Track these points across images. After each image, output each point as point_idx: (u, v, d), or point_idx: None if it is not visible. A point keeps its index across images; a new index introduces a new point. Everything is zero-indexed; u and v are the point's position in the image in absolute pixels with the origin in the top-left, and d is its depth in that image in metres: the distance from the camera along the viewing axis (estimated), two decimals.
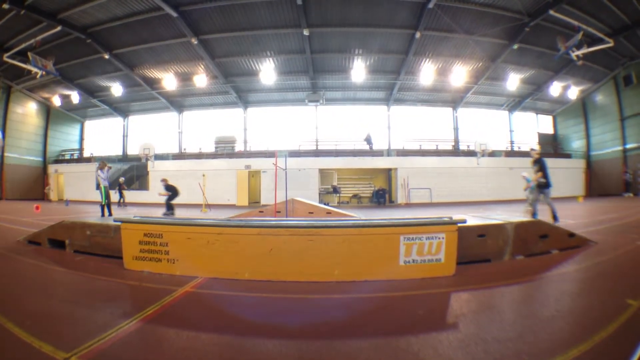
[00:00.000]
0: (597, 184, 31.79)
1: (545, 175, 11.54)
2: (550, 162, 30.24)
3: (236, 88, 31.00)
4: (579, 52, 22.90)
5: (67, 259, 6.23)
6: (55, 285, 4.96)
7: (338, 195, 29.74)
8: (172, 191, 15.29)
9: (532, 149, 12.34)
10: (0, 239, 8.32)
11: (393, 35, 24.89)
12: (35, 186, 33.78)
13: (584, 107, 33.16)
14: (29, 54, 23.35)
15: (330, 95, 31.81)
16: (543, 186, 11.57)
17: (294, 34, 24.56)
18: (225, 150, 32.48)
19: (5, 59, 24.02)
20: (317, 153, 31.24)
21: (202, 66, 28.09)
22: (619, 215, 12.68)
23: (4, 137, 29.93)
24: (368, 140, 31.10)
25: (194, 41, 24.32)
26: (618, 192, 28.80)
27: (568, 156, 33.70)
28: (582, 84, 30.86)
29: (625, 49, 25.27)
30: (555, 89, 30.74)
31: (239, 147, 33.22)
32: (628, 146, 29.06)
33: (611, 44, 22.40)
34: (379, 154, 31.04)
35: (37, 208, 17.85)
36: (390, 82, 29.96)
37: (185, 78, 29.17)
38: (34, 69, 24.17)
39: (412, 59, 26.88)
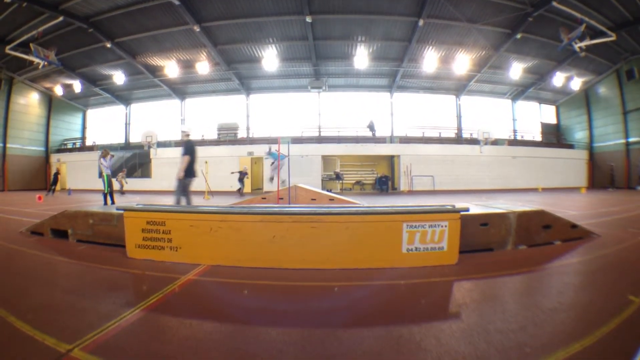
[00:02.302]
0: (600, 175, 31.74)
1: (190, 162, 9.22)
2: (553, 152, 30.59)
3: (238, 75, 30.90)
4: (582, 44, 22.89)
5: (70, 249, 6.23)
6: (58, 276, 4.97)
7: (341, 182, 29.77)
8: None
9: (182, 131, 9.81)
10: (2, 230, 8.33)
11: (396, 22, 24.76)
12: (38, 176, 33.88)
13: (586, 98, 33.05)
14: (31, 45, 23.39)
15: (332, 82, 31.72)
16: (186, 174, 9.15)
17: (297, 21, 24.44)
18: (227, 137, 32.50)
19: (7, 51, 23.98)
20: (319, 140, 31.20)
21: (204, 53, 28.00)
22: (621, 209, 12.62)
23: (5, 129, 30.08)
24: (371, 127, 31.07)
25: (196, 29, 24.23)
26: (621, 185, 28.75)
27: (571, 147, 33.68)
28: (584, 75, 30.72)
29: (627, 43, 25.20)
30: (558, 79, 30.64)
31: (241, 133, 33.18)
32: (631, 140, 28.99)
33: (613, 38, 22.41)
34: (381, 140, 31.02)
35: (39, 198, 17.88)
36: (393, 70, 29.85)
37: (187, 65, 29.11)
38: (36, 60, 24.21)
39: (415, 47, 26.76)
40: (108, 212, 6.51)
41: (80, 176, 31.37)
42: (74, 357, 2.47)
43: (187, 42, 26.80)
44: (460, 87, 32.76)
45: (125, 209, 5.67)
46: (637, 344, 2.41)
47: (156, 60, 29.32)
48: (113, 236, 6.17)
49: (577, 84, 31.18)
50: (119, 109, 36.66)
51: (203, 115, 34.62)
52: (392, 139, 31.50)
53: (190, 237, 5.25)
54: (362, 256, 5.00)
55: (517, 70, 29.20)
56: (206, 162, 22.46)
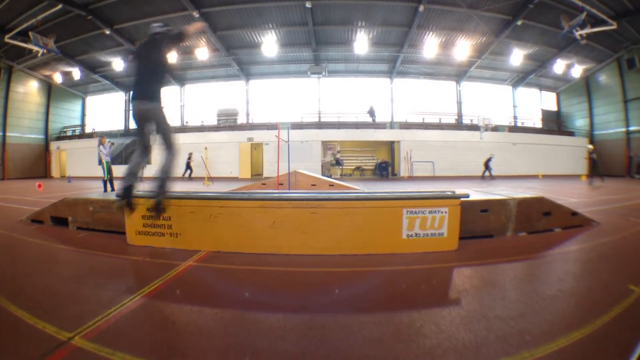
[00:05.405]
0: (600, 163, 31.65)
1: None
2: (553, 139, 30.59)
3: (238, 60, 30.76)
4: (583, 32, 22.82)
5: (70, 237, 6.22)
6: (58, 263, 4.97)
7: (341, 167, 29.79)
8: None
9: None
10: (3, 219, 8.31)
11: (396, 7, 24.57)
12: (38, 164, 33.83)
13: (587, 86, 32.81)
14: (30, 33, 23.31)
15: (332, 67, 31.58)
16: None
17: (296, 6, 24.26)
18: (227, 122, 32.46)
19: (6, 40, 23.84)
20: (319, 125, 31.19)
21: (203, 39, 27.83)
22: (622, 197, 12.60)
23: (4, 118, 30.01)
24: (371, 113, 31.03)
25: (196, 14, 24.06)
26: (621, 173, 28.71)
27: (571, 134, 33.62)
28: (585, 63, 30.46)
29: (628, 32, 24.95)
30: (559, 66, 30.45)
31: (241, 119, 33.12)
32: (631, 128, 28.92)
33: (614, 27, 22.31)
34: (381, 126, 31.00)
35: (39, 186, 17.88)
36: (393, 55, 29.69)
37: (186, 51, 28.92)
38: (35, 48, 24.14)
39: (415, 32, 26.59)
40: (108, 199, 6.49)
41: (81, 163, 31.30)
42: (75, 345, 2.48)
43: None
44: (460, 73, 32.59)
45: None
46: (638, 334, 2.41)
47: None
48: (113, 223, 6.16)
49: (577, 71, 30.93)
50: (118, 96, 36.45)
51: (203, 101, 34.46)
52: (392, 125, 31.47)
53: (190, 224, 5.24)
54: (362, 242, 5.00)
55: (517, 56, 29.04)
56: (206, 149, 22.47)
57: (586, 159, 19.04)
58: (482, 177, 25.27)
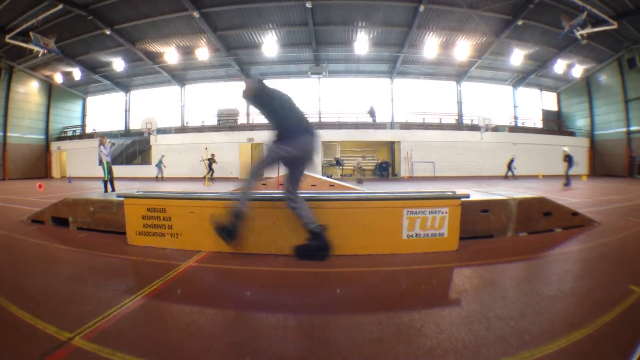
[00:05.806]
0: (601, 163, 31.71)
1: None
2: (554, 139, 30.68)
3: (238, 61, 30.76)
4: (583, 32, 22.89)
5: (70, 237, 6.19)
6: (59, 264, 4.95)
7: (341, 167, 29.78)
8: None
9: None
10: (3, 219, 8.30)
11: (397, 8, 24.60)
12: (38, 165, 33.89)
13: (588, 86, 32.89)
14: (31, 33, 23.38)
15: (333, 67, 31.65)
16: None
17: (297, 6, 24.29)
18: (227, 123, 32.44)
19: (7, 40, 23.87)
20: (319, 125, 31.15)
21: (203, 39, 27.87)
22: (622, 197, 12.58)
23: (5, 118, 30.03)
24: (371, 113, 31.04)
25: (196, 14, 24.10)
26: (622, 173, 28.75)
27: (572, 134, 33.63)
28: (586, 63, 30.55)
29: (629, 32, 25.02)
30: (559, 66, 30.58)
31: (241, 119, 33.10)
32: (632, 128, 28.93)
33: (615, 26, 22.37)
34: (382, 126, 31.06)
35: (39, 186, 17.89)
36: (393, 55, 29.74)
37: (187, 52, 28.98)
38: (36, 48, 24.20)
39: (415, 32, 26.64)
40: (108, 200, 6.49)
41: (81, 164, 31.30)
42: (75, 345, 2.47)
43: (187, 28, 26.64)
44: (461, 73, 32.65)
45: (125, 196, 5.65)
46: (638, 334, 2.40)
47: (156, 47, 29.19)
48: (113, 223, 6.16)
49: (578, 71, 31.02)
50: (118, 96, 36.58)
51: (203, 101, 34.44)
52: (392, 125, 31.53)
53: (191, 224, 5.23)
54: (362, 242, 4.99)
55: (518, 56, 29.13)
56: (206, 149, 22.46)
57: (563, 161, 18.91)
58: (505, 177, 25.76)
